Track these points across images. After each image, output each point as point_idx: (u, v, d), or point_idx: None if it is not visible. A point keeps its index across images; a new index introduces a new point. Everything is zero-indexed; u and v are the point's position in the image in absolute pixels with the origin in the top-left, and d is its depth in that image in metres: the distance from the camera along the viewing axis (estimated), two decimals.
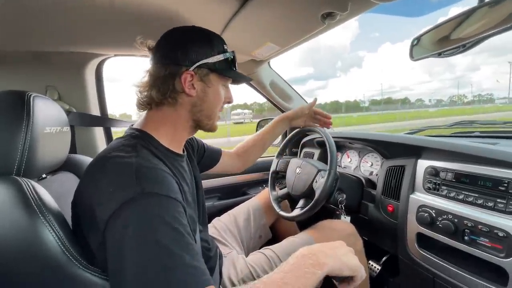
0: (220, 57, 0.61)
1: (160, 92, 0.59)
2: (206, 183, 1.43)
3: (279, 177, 1.22)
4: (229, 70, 0.64)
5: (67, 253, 0.46)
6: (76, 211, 0.52)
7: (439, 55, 0.65)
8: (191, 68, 0.58)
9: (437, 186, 0.75)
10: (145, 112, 0.63)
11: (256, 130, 1.70)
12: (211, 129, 0.67)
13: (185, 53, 0.59)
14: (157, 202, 0.44)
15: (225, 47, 0.64)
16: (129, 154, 0.50)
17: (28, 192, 0.48)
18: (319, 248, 0.54)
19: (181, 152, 0.66)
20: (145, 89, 0.60)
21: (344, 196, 1.00)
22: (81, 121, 1.06)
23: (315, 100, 1.10)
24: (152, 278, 0.39)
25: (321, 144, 1.33)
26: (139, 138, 0.56)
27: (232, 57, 0.64)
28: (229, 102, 0.70)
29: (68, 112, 1.01)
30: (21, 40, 0.85)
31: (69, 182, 0.75)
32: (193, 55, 0.59)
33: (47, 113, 0.61)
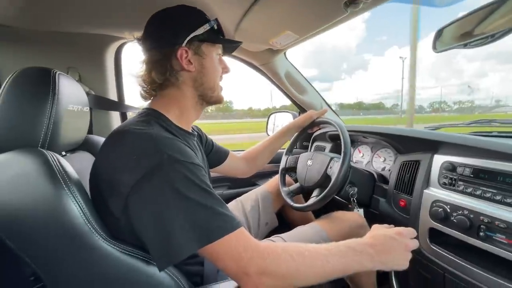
0: (206, 27, 0.63)
1: (160, 74, 0.61)
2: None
3: (290, 172, 1.22)
4: (217, 38, 0.66)
5: (88, 225, 0.48)
6: (95, 183, 0.55)
7: (465, 46, 0.63)
8: (184, 44, 0.60)
9: (453, 182, 0.74)
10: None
11: (267, 124, 1.70)
12: (216, 101, 0.69)
13: (174, 32, 0.61)
14: (183, 167, 0.47)
15: (207, 17, 0.65)
16: (145, 127, 0.52)
17: (54, 164, 0.50)
18: (367, 249, 0.56)
19: (190, 131, 0.69)
20: (146, 77, 0.63)
21: (356, 189, 0.99)
22: (99, 104, 1.08)
23: (325, 109, 1.17)
24: (191, 229, 0.44)
25: (333, 138, 1.32)
26: (151, 116, 0.59)
27: (216, 24, 0.65)
28: (226, 72, 0.71)
29: (87, 94, 1.04)
30: (44, 20, 0.87)
31: (87, 161, 0.77)
32: (182, 32, 0.61)
33: (70, 91, 0.63)
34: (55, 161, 0.51)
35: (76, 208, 0.48)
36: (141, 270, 0.50)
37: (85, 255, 0.48)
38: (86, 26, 0.95)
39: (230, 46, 0.74)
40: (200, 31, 0.62)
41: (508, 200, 0.62)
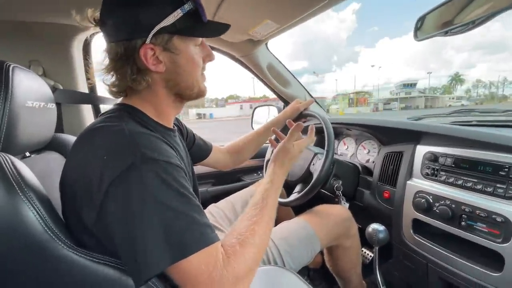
0: (178, 14, 0.49)
1: (121, 77, 0.50)
2: (200, 169, 1.39)
3: None
4: (194, 27, 0.52)
5: (49, 232, 0.43)
6: (66, 190, 0.49)
7: (446, 33, 0.62)
8: (148, 40, 0.48)
9: (435, 172, 0.74)
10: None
11: (252, 117, 1.67)
12: (198, 96, 0.59)
13: (135, 23, 0.47)
14: (158, 167, 0.42)
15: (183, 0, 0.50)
16: (117, 123, 0.46)
17: (6, 167, 0.45)
18: (275, 179, 0.62)
19: (171, 127, 0.62)
20: (108, 75, 0.53)
21: (340, 182, 0.98)
22: (68, 98, 1.01)
23: (311, 100, 1.16)
24: (166, 240, 0.39)
25: (319, 131, 1.31)
26: (124, 110, 0.52)
27: (193, 7, 0.50)
28: (210, 60, 0.59)
29: (54, 89, 0.96)
30: (1, 8, 0.78)
31: (55, 162, 0.72)
32: (145, 23, 0.47)
33: (29, 86, 0.56)
34: (8, 163, 0.46)
35: (33, 215, 0.43)
36: (114, 279, 0.46)
37: (48, 266, 0.44)
38: (46, 15, 0.87)
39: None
40: (169, 20, 0.48)
41: (489, 189, 0.62)
